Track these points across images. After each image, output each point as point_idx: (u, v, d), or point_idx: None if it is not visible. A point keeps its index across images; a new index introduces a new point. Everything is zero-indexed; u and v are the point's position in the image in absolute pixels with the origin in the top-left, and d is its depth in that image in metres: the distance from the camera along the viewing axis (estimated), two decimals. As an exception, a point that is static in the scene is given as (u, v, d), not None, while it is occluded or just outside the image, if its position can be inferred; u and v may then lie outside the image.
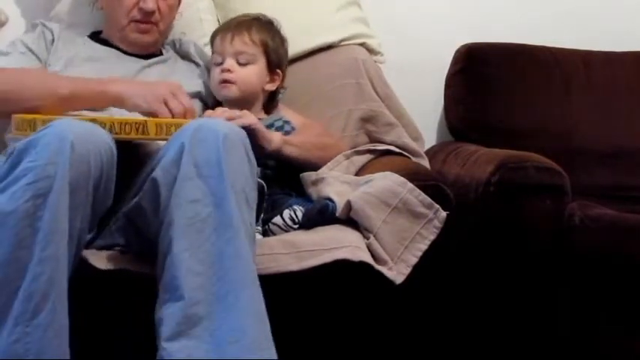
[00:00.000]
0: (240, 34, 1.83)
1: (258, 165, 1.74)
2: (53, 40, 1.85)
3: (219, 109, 1.69)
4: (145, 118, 1.46)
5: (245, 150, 1.38)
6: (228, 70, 1.82)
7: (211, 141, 1.35)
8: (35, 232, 1.25)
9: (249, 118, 1.64)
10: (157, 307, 1.33)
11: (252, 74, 1.84)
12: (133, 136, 1.44)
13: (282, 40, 1.90)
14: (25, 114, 1.49)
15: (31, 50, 1.82)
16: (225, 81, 1.83)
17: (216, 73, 1.85)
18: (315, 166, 1.80)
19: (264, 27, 1.87)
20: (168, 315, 1.30)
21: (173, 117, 1.57)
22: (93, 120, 1.41)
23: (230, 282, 1.30)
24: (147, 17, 1.83)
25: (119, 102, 1.64)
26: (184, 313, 1.29)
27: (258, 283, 1.33)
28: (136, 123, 1.42)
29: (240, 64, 1.83)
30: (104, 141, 1.35)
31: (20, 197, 1.25)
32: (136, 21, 1.83)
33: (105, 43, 1.90)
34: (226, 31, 1.85)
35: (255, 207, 1.41)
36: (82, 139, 1.30)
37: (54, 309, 1.25)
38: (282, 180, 1.78)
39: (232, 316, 1.29)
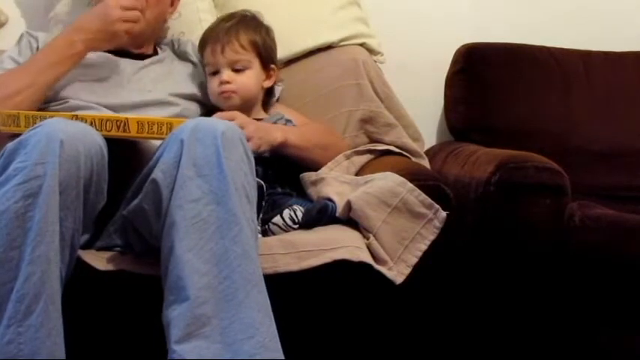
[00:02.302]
0: (229, 43, 1.82)
1: (257, 164, 1.76)
2: (38, 47, 1.85)
3: None
4: (127, 116, 1.45)
5: (243, 147, 1.38)
6: (227, 82, 1.82)
7: (210, 140, 1.34)
8: (26, 233, 1.25)
9: (253, 145, 1.64)
10: (163, 310, 1.32)
11: (250, 79, 1.83)
12: (114, 133, 1.42)
13: (267, 32, 1.88)
14: (10, 110, 1.50)
15: (17, 62, 1.82)
16: (225, 92, 1.82)
17: (214, 84, 1.83)
18: (317, 164, 1.80)
19: (250, 27, 1.85)
20: (176, 317, 1.29)
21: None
22: (74, 117, 1.40)
23: (238, 280, 1.29)
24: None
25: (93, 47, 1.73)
26: (192, 313, 1.28)
27: (263, 280, 1.33)
28: (117, 121, 1.40)
29: (236, 71, 1.82)
30: (95, 141, 1.34)
31: (11, 197, 1.25)
32: None
33: None
34: (215, 42, 1.83)
35: (255, 204, 1.40)
36: (73, 139, 1.30)
37: (46, 309, 1.25)
38: (282, 180, 1.79)
39: (243, 313, 1.28)
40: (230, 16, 1.89)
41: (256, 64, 1.84)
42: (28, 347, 1.24)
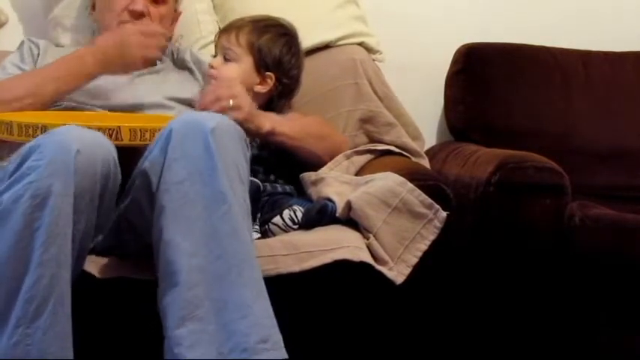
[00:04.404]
0: (228, 33, 1.85)
1: (258, 165, 1.75)
2: (39, 54, 1.85)
3: (210, 88, 1.71)
4: (119, 123, 1.44)
5: (235, 129, 1.36)
6: (211, 67, 1.84)
7: (199, 125, 1.33)
8: (33, 233, 1.24)
9: (240, 111, 1.63)
10: (158, 299, 1.31)
11: (232, 72, 1.82)
12: None
13: (278, 45, 1.85)
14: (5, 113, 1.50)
15: (21, 69, 1.81)
16: (209, 76, 1.84)
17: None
18: (313, 155, 1.79)
19: (259, 30, 1.84)
20: (169, 303, 1.28)
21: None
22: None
23: (230, 259, 1.28)
24: (136, 19, 1.81)
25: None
26: (184, 297, 1.27)
27: (255, 258, 1.32)
28: (109, 129, 1.39)
29: (226, 60, 1.83)
30: (109, 148, 1.34)
31: (21, 196, 1.24)
32: (126, 22, 1.81)
33: None
34: (225, 28, 1.89)
35: (248, 184, 1.38)
36: (89, 144, 1.29)
37: (55, 312, 1.24)
38: (283, 179, 1.79)
39: (236, 292, 1.27)
40: (257, 15, 1.90)
41: (247, 62, 1.82)
42: (36, 349, 1.23)
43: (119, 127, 1.41)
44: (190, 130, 1.33)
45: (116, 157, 1.35)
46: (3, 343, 1.23)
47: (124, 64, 1.69)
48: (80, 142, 1.28)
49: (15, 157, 1.32)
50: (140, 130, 1.43)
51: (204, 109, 1.61)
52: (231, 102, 1.63)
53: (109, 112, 1.70)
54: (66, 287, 1.26)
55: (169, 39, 1.96)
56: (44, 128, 1.39)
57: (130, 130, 1.42)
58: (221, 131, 1.33)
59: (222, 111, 1.59)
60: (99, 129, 1.38)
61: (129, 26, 1.70)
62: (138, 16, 1.81)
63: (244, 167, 1.36)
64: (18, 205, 1.24)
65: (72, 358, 1.28)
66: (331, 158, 1.82)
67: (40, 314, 1.23)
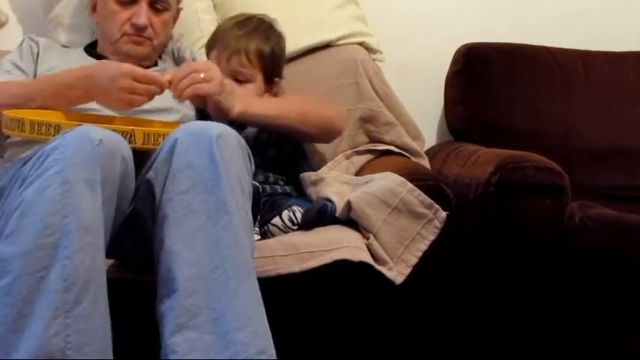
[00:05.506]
0: (237, 54, 1.79)
1: (258, 167, 1.75)
2: (39, 52, 1.84)
3: (184, 68, 1.62)
4: (133, 127, 1.44)
5: (238, 140, 1.36)
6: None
7: (205, 137, 1.33)
8: (63, 218, 1.21)
9: (211, 83, 1.58)
10: (156, 305, 1.30)
11: (249, 91, 1.79)
12: None
13: (278, 42, 1.86)
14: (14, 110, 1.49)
15: (17, 67, 1.80)
16: None
17: None
18: (301, 132, 1.77)
19: (262, 38, 1.83)
20: (167, 310, 1.28)
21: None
22: (80, 126, 1.38)
23: (229, 269, 1.27)
24: (139, 32, 1.80)
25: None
26: (182, 305, 1.26)
27: (254, 270, 1.32)
28: (123, 132, 1.40)
29: (238, 81, 1.79)
30: (128, 151, 1.34)
31: (48, 186, 1.23)
32: (129, 34, 1.81)
33: (99, 57, 1.86)
34: (223, 48, 1.81)
35: (251, 197, 1.38)
36: (110, 138, 1.29)
37: (95, 299, 1.22)
38: (283, 180, 1.79)
39: (235, 302, 1.27)
40: (245, 22, 1.86)
41: (259, 78, 1.82)
42: (77, 339, 1.19)
43: (133, 130, 1.41)
44: (195, 140, 1.33)
45: (132, 160, 1.35)
46: (37, 337, 1.18)
47: (108, 101, 1.59)
48: (101, 135, 1.28)
49: (32, 161, 1.30)
50: (154, 135, 1.43)
51: (178, 79, 1.57)
52: (202, 75, 1.57)
53: (117, 116, 1.69)
54: (103, 275, 1.25)
55: (170, 38, 1.96)
56: (57, 127, 1.40)
57: (143, 133, 1.42)
58: (225, 141, 1.34)
59: (195, 82, 1.56)
60: (113, 130, 1.38)
61: (127, 66, 1.56)
62: (141, 29, 1.80)
63: (246, 180, 1.37)
64: (44, 195, 1.22)
65: (111, 350, 1.25)
66: (324, 132, 1.80)
67: (79, 302, 1.20)
